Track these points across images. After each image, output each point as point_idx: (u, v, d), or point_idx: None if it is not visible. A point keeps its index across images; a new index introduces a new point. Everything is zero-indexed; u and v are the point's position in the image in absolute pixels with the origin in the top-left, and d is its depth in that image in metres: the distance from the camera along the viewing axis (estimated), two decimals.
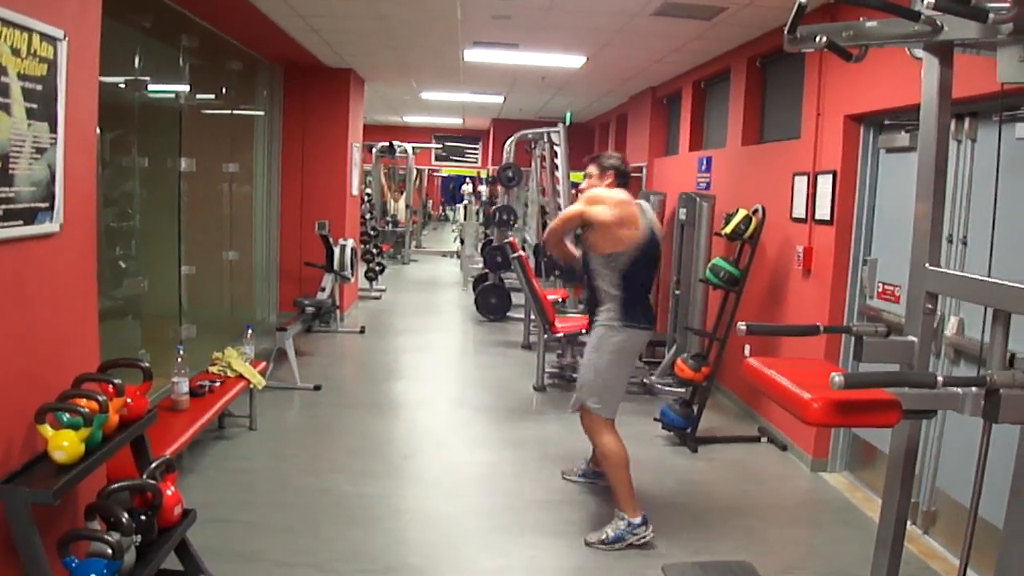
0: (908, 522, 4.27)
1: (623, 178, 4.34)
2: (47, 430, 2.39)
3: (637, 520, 4.03)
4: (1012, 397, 2.07)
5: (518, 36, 7.29)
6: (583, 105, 12.59)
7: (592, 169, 4.37)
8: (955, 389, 2.21)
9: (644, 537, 4.02)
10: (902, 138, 4.67)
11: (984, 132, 4.00)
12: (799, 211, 5.56)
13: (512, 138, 10.64)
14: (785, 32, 2.49)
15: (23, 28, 2.41)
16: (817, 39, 2.44)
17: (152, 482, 2.71)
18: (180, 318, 6.45)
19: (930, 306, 2.62)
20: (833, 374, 2.00)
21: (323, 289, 8.65)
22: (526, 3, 5.99)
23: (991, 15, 2.14)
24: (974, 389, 2.16)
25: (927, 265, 2.61)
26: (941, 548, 4.11)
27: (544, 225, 10.78)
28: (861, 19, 2.47)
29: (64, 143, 2.68)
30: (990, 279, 2.30)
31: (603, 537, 4.02)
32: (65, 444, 2.37)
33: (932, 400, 2.24)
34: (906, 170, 4.34)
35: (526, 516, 4.45)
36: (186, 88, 6.58)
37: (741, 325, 2.67)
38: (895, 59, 3.31)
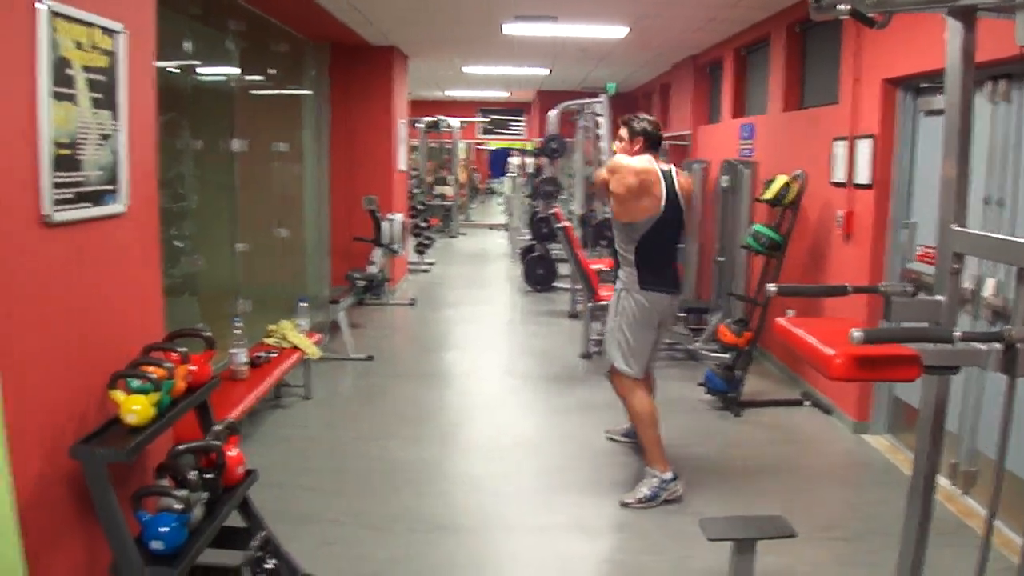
0: (949, 483, 4.38)
1: (654, 142, 4.36)
2: (119, 395, 2.58)
3: (668, 476, 4.16)
4: None
5: (557, 8, 7.35)
6: (626, 75, 12.58)
7: (623, 132, 4.40)
8: (977, 345, 2.29)
9: (676, 492, 4.16)
10: (939, 101, 4.67)
11: (1019, 94, 4.01)
12: (839, 176, 5.58)
13: (555, 110, 10.69)
14: (811, 1, 2.57)
15: (85, 23, 2.58)
16: (840, 7, 2.51)
17: (216, 443, 2.90)
18: (236, 293, 6.68)
19: (956, 266, 2.69)
20: (853, 330, 2.09)
21: (373, 263, 8.84)
22: None
23: None
24: (996, 345, 2.24)
25: (953, 225, 2.69)
26: (980, 508, 4.17)
27: (590, 196, 10.84)
28: None
29: (127, 129, 2.85)
30: (1013, 238, 2.37)
31: (639, 496, 4.16)
32: (136, 408, 2.55)
33: (952, 356, 2.32)
34: None
35: (571, 477, 4.61)
36: (236, 71, 6.76)
37: (771, 286, 2.77)
38: (931, 23, 3.35)
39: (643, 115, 4.50)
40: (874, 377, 2.45)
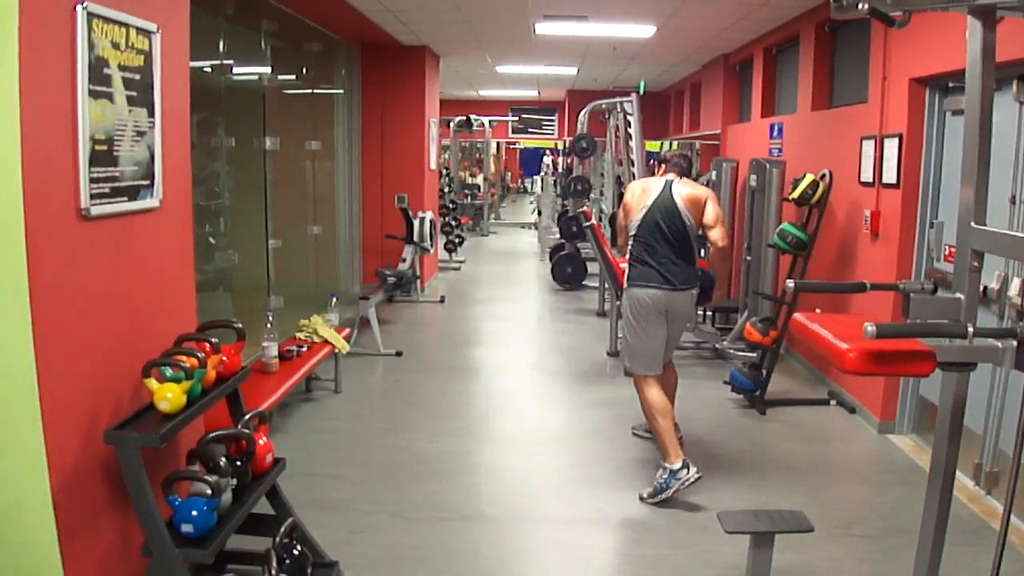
0: (972, 483, 4.38)
1: (670, 164, 4.68)
2: (152, 383, 2.67)
3: (677, 465, 4.18)
4: None
5: (587, 8, 7.40)
6: (656, 74, 12.58)
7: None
8: (993, 342, 2.31)
9: (688, 480, 4.17)
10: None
11: None
12: (867, 175, 5.58)
13: (586, 109, 10.72)
14: (832, 0, 2.60)
15: (121, 23, 2.67)
16: (860, 6, 2.54)
17: (246, 431, 2.99)
18: (268, 289, 6.80)
19: (976, 264, 2.71)
20: (866, 324, 2.12)
21: (404, 260, 8.94)
22: None
23: None
24: (1011, 341, 2.26)
25: (972, 224, 2.70)
26: (1002, 508, 4.16)
27: (621, 195, 10.85)
28: None
29: (161, 127, 2.95)
30: None
31: (651, 489, 4.21)
32: (169, 395, 2.65)
33: (966, 352, 2.34)
34: None
35: (596, 472, 4.66)
36: (268, 70, 6.89)
37: (789, 282, 2.81)
38: (957, 21, 3.35)
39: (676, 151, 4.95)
40: (887, 371, 2.49)
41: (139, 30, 2.78)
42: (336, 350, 5.79)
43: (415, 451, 4.91)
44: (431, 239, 9.33)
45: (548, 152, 20.16)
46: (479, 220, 17.28)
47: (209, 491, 2.66)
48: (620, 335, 4.46)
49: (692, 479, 4.18)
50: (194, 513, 2.62)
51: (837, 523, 3.97)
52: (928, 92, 5.03)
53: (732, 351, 7.06)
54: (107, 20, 2.57)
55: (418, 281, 9.62)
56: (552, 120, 20.43)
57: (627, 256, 4.59)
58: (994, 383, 4.27)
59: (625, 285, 4.56)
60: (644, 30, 8.34)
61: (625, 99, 9.88)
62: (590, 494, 4.36)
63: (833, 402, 5.87)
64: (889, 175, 5.26)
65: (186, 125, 3.27)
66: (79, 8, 2.42)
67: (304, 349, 5.45)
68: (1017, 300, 4.05)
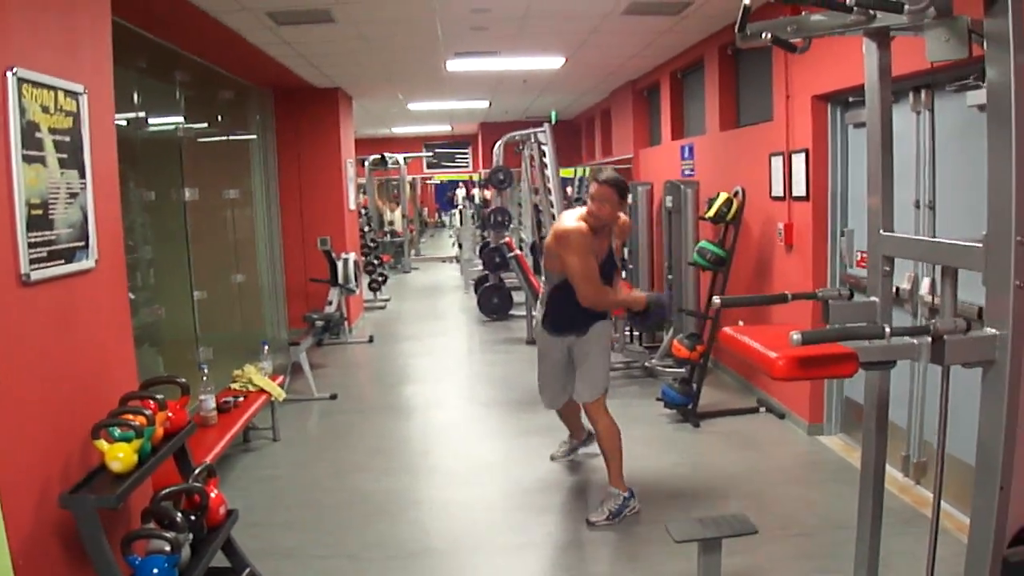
0: (901, 475, 4.59)
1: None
2: (103, 444, 2.66)
3: (627, 494, 4.34)
4: (955, 342, 2.34)
5: (497, 44, 7.57)
6: (567, 103, 12.86)
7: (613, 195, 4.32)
8: (908, 339, 2.47)
9: (635, 508, 4.34)
10: (866, 114, 4.93)
11: (939, 103, 4.27)
12: (777, 190, 5.83)
13: (500, 141, 10.88)
14: (736, 31, 2.77)
15: (50, 87, 2.69)
16: (764, 36, 2.72)
17: (199, 485, 2.99)
18: (196, 341, 6.72)
19: (887, 268, 2.90)
20: (792, 332, 2.26)
21: (330, 303, 8.91)
22: (502, 13, 6.25)
23: (906, 5, 2.41)
24: (925, 338, 2.43)
25: (881, 231, 2.90)
26: (932, 496, 4.37)
27: (539, 223, 11.02)
28: (803, 13, 2.73)
29: (92, 187, 2.96)
30: (935, 239, 2.58)
31: (606, 515, 4.30)
32: (120, 455, 2.64)
33: (886, 351, 2.50)
34: None
35: (539, 498, 4.74)
36: (183, 120, 6.84)
37: (716, 299, 2.96)
38: (851, 41, 3.57)
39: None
40: (815, 375, 2.63)
41: (67, 92, 2.80)
42: (272, 398, 5.76)
43: (359, 492, 4.91)
44: (356, 280, 9.33)
45: (461, 185, 20.34)
46: (400, 257, 17.29)
47: (168, 548, 2.65)
48: (593, 366, 4.49)
49: (637, 509, 4.33)
50: (155, 571, 2.61)
51: (778, 524, 4.13)
52: (830, 108, 5.31)
53: (661, 368, 7.23)
54: (36, 84, 2.59)
55: (346, 323, 9.59)
56: (466, 153, 20.62)
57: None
58: (913, 378, 4.50)
59: (607, 316, 4.57)
60: (554, 61, 8.55)
61: (538, 130, 10.07)
62: (537, 519, 4.44)
63: (763, 409, 6.08)
64: (799, 188, 5.51)
65: (116, 183, 3.27)
66: (9, 74, 2.43)
67: (241, 399, 5.41)
68: (928, 299, 4.29)
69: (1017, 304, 2.21)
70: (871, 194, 2.94)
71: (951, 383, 2.57)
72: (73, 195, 2.83)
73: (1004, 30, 2.15)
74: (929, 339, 2.40)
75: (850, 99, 5.15)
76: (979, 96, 3.80)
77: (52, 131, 2.69)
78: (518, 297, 10.62)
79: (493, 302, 10.79)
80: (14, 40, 2.50)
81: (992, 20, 2.20)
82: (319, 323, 8.00)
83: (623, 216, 4.49)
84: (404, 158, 16.96)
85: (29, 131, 2.54)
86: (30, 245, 2.52)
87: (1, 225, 2.41)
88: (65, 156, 2.78)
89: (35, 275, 2.54)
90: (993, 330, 2.28)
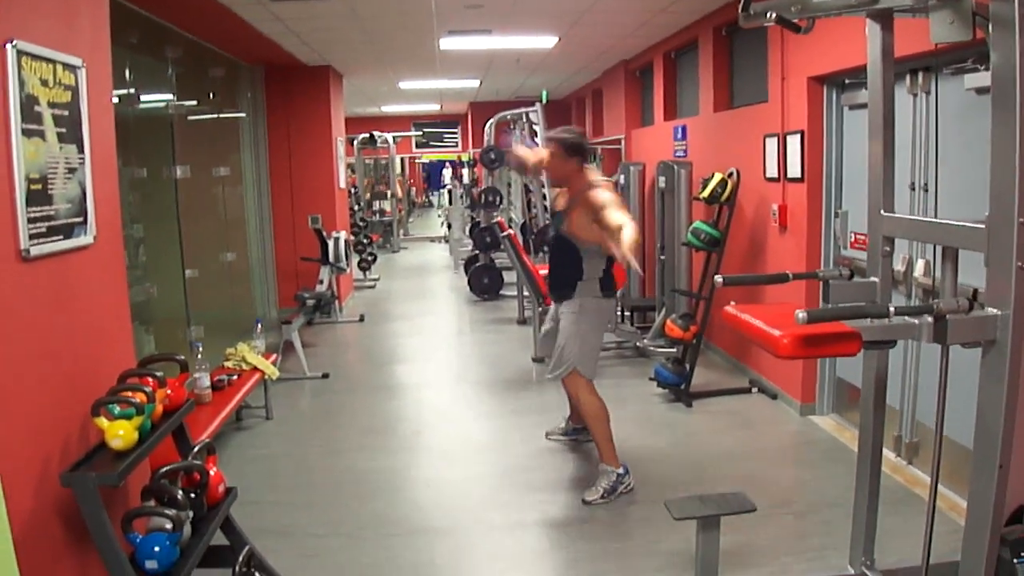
0: (894, 455, 4.62)
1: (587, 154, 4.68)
2: (102, 422, 2.65)
3: (621, 470, 4.36)
4: (957, 322, 2.35)
5: (491, 22, 7.52)
6: (558, 82, 12.80)
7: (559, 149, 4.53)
8: (909, 319, 2.49)
9: (630, 485, 4.36)
10: (863, 95, 4.93)
11: (937, 85, 4.27)
12: (772, 171, 5.83)
13: (492, 120, 10.85)
14: (739, 11, 2.77)
15: (48, 60, 2.65)
16: (768, 15, 2.71)
17: (199, 463, 2.99)
18: (188, 319, 6.69)
19: (887, 248, 2.92)
20: (798, 311, 2.28)
21: (321, 282, 8.90)
22: None
23: None
24: (927, 318, 2.44)
25: (882, 211, 2.91)
26: (925, 476, 4.40)
27: (530, 203, 11.01)
28: None
29: (90, 162, 2.93)
30: (935, 220, 2.59)
31: (600, 493, 4.32)
32: (121, 433, 2.63)
33: (889, 330, 2.53)
34: None
35: (533, 475, 4.75)
36: (174, 98, 6.79)
37: (718, 278, 2.98)
38: (850, 22, 3.57)
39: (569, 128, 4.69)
40: (819, 353, 2.66)
41: (65, 65, 2.76)
42: (266, 376, 5.75)
43: (354, 471, 4.92)
44: (346, 259, 9.31)
45: (448, 165, 20.26)
46: (389, 237, 17.25)
47: (170, 525, 2.65)
48: (562, 343, 4.47)
49: (632, 485, 4.35)
50: (157, 548, 2.60)
51: (773, 503, 4.15)
52: (825, 89, 5.31)
53: (653, 348, 7.25)
54: (35, 57, 2.55)
55: (337, 301, 9.58)
56: (455, 133, 20.54)
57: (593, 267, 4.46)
58: (906, 360, 4.53)
59: (597, 294, 4.47)
60: (547, 41, 8.50)
61: (530, 109, 10.05)
62: (532, 498, 4.45)
63: (755, 389, 6.11)
64: (793, 170, 5.52)
65: (113, 159, 3.25)
66: (8, 47, 2.39)
67: (235, 378, 5.40)
68: (924, 280, 4.31)
69: (1019, 284, 2.23)
70: (872, 174, 2.96)
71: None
72: (72, 170, 2.80)
73: (1010, 13, 2.15)
74: (931, 319, 2.42)
75: (846, 81, 5.15)
76: (977, 79, 3.81)
77: (51, 105, 2.66)
78: (508, 277, 10.61)
79: (484, 282, 10.78)
80: (13, 12, 2.46)
81: (998, 3, 2.20)
82: (310, 302, 7.98)
83: (595, 194, 4.25)
84: (393, 137, 16.89)
85: (28, 104, 2.51)
86: (30, 220, 2.49)
87: (1, 200, 2.38)
88: (64, 131, 2.75)
89: (34, 251, 2.51)
90: (995, 310, 2.30)
